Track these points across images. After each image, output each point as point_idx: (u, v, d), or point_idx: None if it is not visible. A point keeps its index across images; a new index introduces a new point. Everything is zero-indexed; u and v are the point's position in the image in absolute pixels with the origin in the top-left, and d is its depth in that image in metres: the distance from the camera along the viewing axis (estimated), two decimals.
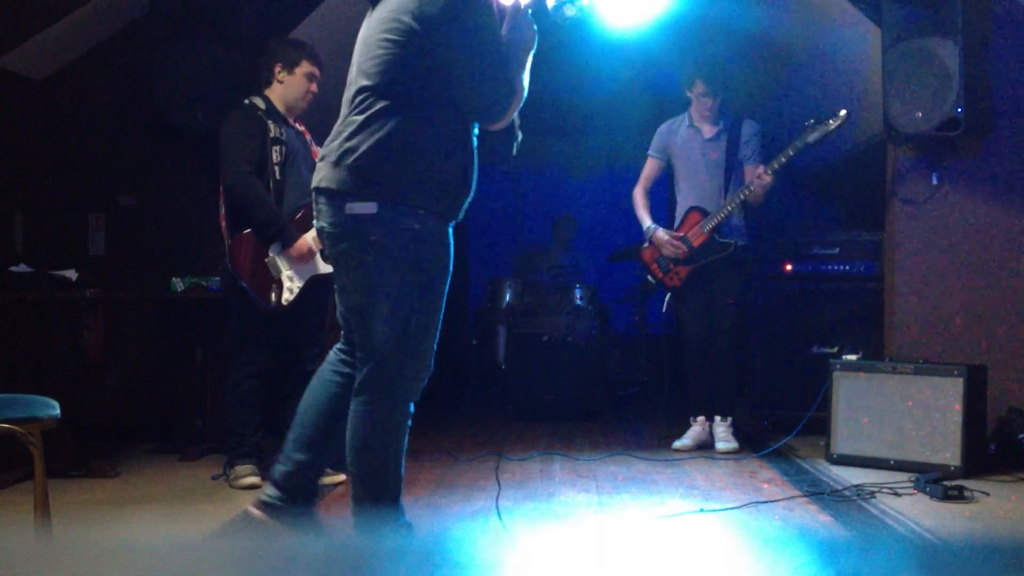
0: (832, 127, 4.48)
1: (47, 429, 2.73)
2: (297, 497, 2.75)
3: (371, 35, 2.67)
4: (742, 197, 4.70)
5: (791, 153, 4.56)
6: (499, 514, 3.22)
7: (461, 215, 2.76)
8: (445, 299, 2.72)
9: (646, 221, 4.97)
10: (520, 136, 2.83)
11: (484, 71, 2.60)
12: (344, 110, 2.71)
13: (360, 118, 2.62)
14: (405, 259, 2.60)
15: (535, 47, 2.74)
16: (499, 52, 2.63)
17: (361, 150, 2.59)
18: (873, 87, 4.89)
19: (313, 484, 2.85)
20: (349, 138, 2.63)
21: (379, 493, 2.68)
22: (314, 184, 2.70)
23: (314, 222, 2.77)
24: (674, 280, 4.92)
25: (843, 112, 4.48)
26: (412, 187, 2.60)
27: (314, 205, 2.74)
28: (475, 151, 2.75)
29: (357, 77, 2.68)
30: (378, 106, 2.60)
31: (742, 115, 4.98)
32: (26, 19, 4.60)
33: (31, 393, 2.86)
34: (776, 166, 4.58)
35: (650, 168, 5.05)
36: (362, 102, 2.63)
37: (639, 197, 5.03)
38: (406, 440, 2.73)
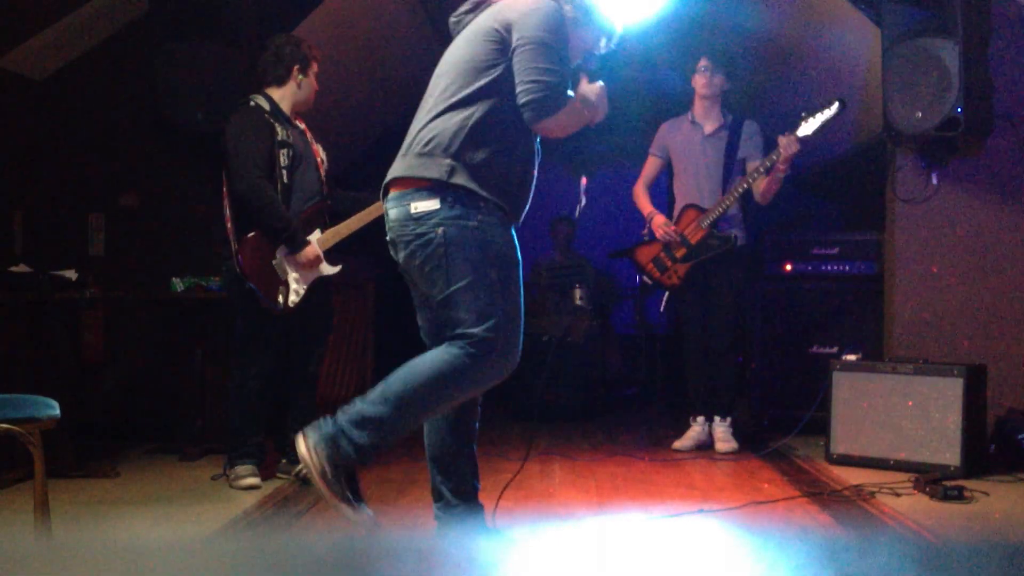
0: (827, 115, 4.46)
1: (47, 429, 2.73)
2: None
3: (455, 52, 2.83)
4: (742, 189, 4.68)
5: (816, 126, 4.48)
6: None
7: (520, 220, 2.85)
8: (523, 298, 2.79)
9: (647, 208, 4.96)
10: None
11: (535, 65, 2.69)
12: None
13: (429, 116, 2.75)
14: (474, 249, 2.66)
15: (597, 119, 3.01)
16: (557, 59, 2.73)
17: (428, 136, 2.71)
18: (873, 87, 4.88)
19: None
20: (418, 132, 2.76)
21: (392, 423, 2.63)
22: (386, 182, 2.80)
23: (388, 238, 2.82)
24: (673, 279, 4.90)
25: (840, 105, 4.45)
26: (474, 176, 2.68)
27: (386, 217, 2.80)
28: (536, 155, 2.88)
29: (447, 92, 2.77)
30: (450, 103, 2.72)
31: (743, 116, 4.97)
32: (26, 19, 4.60)
33: (31, 393, 2.86)
34: (802, 135, 4.49)
35: (650, 167, 5.05)
36: (435, 105, 2.76)
37: (640, 191, 5.02)
38: (445, 409, 2.77)
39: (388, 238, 2.83)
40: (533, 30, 2.71)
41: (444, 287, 2.68)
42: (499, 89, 2.72)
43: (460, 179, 2.67)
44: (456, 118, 2.71)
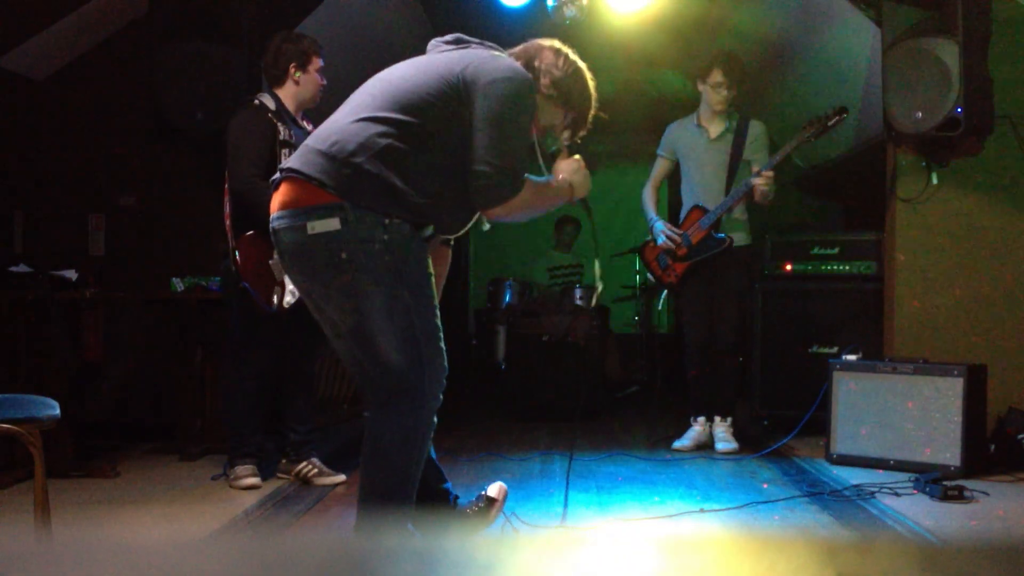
0: (830, 125, 4.50)
1: (47, 429, 2.73)
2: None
3: (405, 72, 2.60)
4: (740, 195, 4.70)
5: (788, 151, 4.59)
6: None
7: (448, 232, 2.69)
8: (437, 299, 2.64)
9: (650, 213, 5.00)
10: (486, 226, 2.76)
11: (492, 145, 2.48)
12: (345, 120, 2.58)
13: (347, 119, 2.52)
14: (384, 272, 2.46)
15: (577, 197, 2.80)
16: (517, 142, 2.54)
17: (334, 138, 2.48)
18: (873, 87, 4.88)
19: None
20: (326, 131, 2.54)
21: (391, 502, 2.59)
22: (277, 177, 2.57)
23: (281, 260, 2.61)
24: (670, 277, 4.93)
25: (844, 114, 4.49)
26: (376, 192, 2.44)
27: (276, 236, 2.56)
28: (468, 211, 2.66)
29: (375, 103, 2.54)
30: (373, 115, 2.50)
31: (749, 116, 4.96)
32: (26, 19, 4.60)
33: (31, 393, 2.86)
34: (773, 164, 4.60)
35: (659, 168, 5.07)
36: (357, 111, 2.54)
37: (648, 195, 5.05)
38: (426, 449, 2.67)
39: (282, 261, 2.58)
40: (497, 103, 2.48)
41: (355, 315, 2.47)
42: (430, 134, 2.49)
43: (358, 193, 2.42)
44: (371, 130, 2.45)
